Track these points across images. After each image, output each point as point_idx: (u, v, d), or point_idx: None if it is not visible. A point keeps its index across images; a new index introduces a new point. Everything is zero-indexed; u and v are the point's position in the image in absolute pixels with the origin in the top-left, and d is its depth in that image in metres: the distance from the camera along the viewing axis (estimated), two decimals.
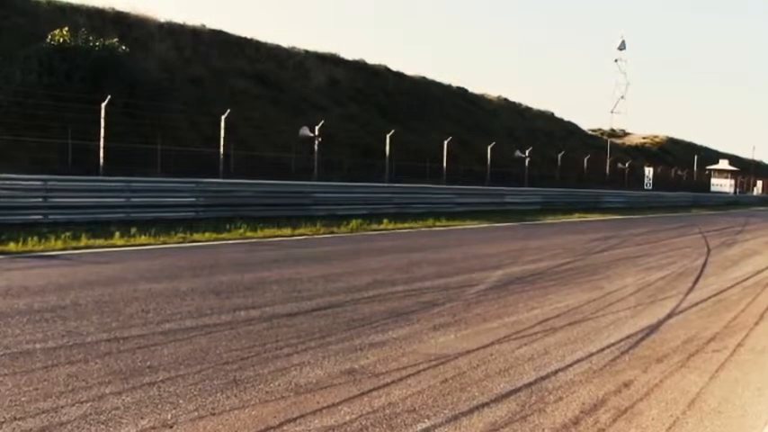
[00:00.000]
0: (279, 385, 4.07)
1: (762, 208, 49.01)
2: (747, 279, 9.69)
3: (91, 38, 20.05)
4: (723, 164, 62.88)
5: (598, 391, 4.24)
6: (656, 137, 70.95)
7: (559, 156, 34.47)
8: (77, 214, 13.31)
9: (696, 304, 7.44)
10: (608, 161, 43.09)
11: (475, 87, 48.96)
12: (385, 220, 17.11)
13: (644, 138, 69.85)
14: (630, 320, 6.40)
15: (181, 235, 11.98)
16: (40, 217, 12.85)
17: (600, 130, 68.75)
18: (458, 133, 32.33)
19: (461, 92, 45.19)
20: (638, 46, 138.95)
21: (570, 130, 56.40)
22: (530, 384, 4.30)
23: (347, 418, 3.60)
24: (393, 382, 4.24)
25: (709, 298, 7.91)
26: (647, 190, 42.89)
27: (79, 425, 3.36)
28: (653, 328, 6.09)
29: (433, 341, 5.29)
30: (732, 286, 8.92)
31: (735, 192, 59.85)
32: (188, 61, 27.87)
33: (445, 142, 25.13)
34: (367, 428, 3.48)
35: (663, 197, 41.70)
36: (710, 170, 61.16)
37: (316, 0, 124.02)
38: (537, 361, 4.86)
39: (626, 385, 4.39)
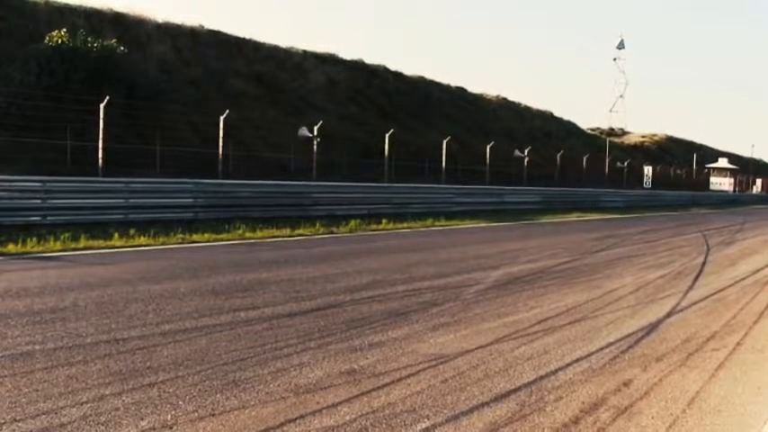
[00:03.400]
0: (278, 386, 4.07)
1: (761, 206, 49.04)
2: (746, 278, 9.70)
3: (89, 39, 20.03)
4: (722, 162, 62.89)
5: (598, 390, 4.24)
6: (654, 135, 70.95)
7: (558, 155, 34.47)
8: (76, 215, 13.29)
9: (695, 303, 7.45)
10: (607, 160, 43.09)
11: (474, 87, 49.08)
12: (384, 220, 17.11)
13: (643, 136, 69.86)
14: (630, 319, 6.40)
15: (180, 236, 11.97)
16: (39, 218, 12.84)
17: (599, 129, 68.77)
18: (457, 133, 32.32)
19: (460, 91, 45.17)
20: (638, 45, 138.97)
21: (569, 129, 56.40)
22: (529, 384, 4.30)
23: (347, 418, 3.60)
24: (392, 382, 4.24)
25: (709, 297, 7.91)
26: (647, 189, 42.91)
27: (79, 426, 3.36)
28: (652, 327, 6.09)
29: (433, 341, 5.29)
30: (731, 285, 8.92)
31: (734, 190, 59.89)
32: (186, 62, 27.84)
33: (444, 142, 25.13)
34: (367, 429, 3.48)
35: (662, 196, 41.70)
36: (710, 169, 61.18)
37: (314, 0, 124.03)
38: (536, 360, 4.86)
39: (626, 384, 4.39)
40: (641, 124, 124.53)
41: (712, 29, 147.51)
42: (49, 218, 12.94)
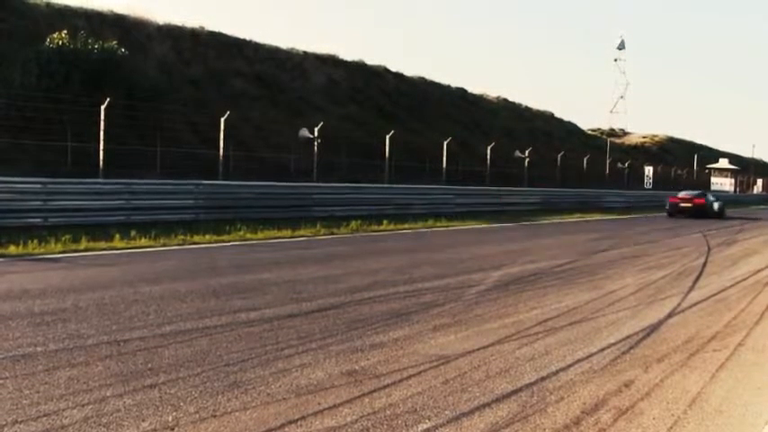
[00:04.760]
0: (280, 387, 4.08)
1: (762, 207, 48.98)
2: (747, 278, 9.69)
3: (90, 40, 20.05)
4: (723, 163, 62.90)
5: (599, 391, 4.24)
6: (655, 136, 70.93)
7: (559, 156, 34.46)
8: (77, 217, 13.30)
9: (696, 303, 7.44)
10: (608, 161, 43.07)
11: (474, 87, 48.85)
12: (385, 221, 17.12)
13: (643, 137, 69.84)
14: (631, 320, 6.40)
15: (181, 237, 11.98)
16: (40, 220, 12.85)
17: (599, 129, 68.74)
18: (457, 133, 32.33)
19: (461, 92, 45.16)
20: (638, 46, 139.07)
21: (570, 129, 56.39)
22: (530, 384, 4.30)
23: (348, 419, 3.60)
24: (394, 382, 4.24)
25: (710, 297, 7.90)
26: (648, 189, 42.89)
27: (80, 427, 3.36)
28: (653, 328, 6.09)
29: (434, 342, 5.29)
30: (732, 285, 8.92)
31: (735, 191, 59.84)
32: (187, 62, 27.86)
33: (445, 142, 25.13)
34: (368, 429, 3.48)
35: (663, 197, 41.71)
36: (710, 169, 61.16)
37: (315, 1, 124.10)
38: (537, 361, 4.86)
39: (627, 385, 4.39)
40: (642, 125, 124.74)
41: (712, 29, 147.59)
42: (50, 219, 12.95)
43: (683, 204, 27.14)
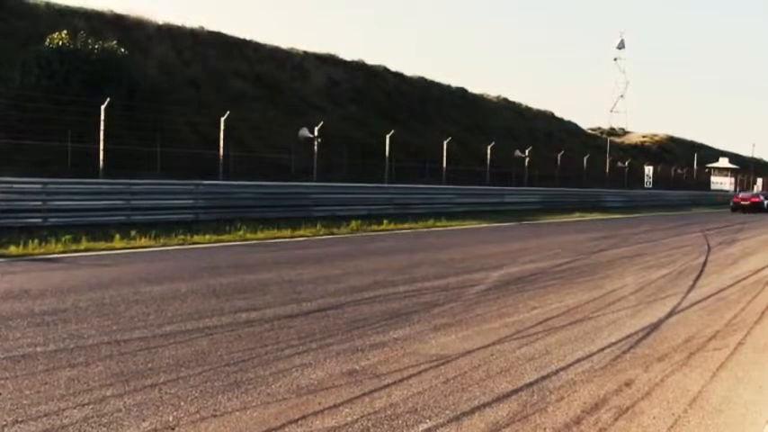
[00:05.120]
0: (280, 386, 4.08)
1: None
2: (748, 277, 9.69)
3: (90, 40, 20.04)
4: (723, 162, 62.81)
5: (599, 391, 4.23)
6: (655, 135, 70.85)
7: (559, 155, 34.46)
8: (77, 217, 13.31)
9: (697, 303, 7.44)
10: (608, 160, 43.06)
11: (474, 87, 48.82)
12: (385, 221, 17.12)
13: (644, 136, 69.76)
14: (631, 319, 6.40)
15: (181, 237, 11.99)
16: (40, 220, 12.86)
17: (600, 129, 68.63)
18: (457, 133, 32.31)
19: (461, 92, 45.10)
20: (638, 45, 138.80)
21: (570, 129, 56.32)
22: (531, 384, 4.30)
23: (349, 419, 3.60)
24: (394, 382, 4.24)
25: (710, 296, 7.90)
26: (648, 189, 42.89)
27: (81, 427, 3.36)
28: (654, 327, 6.09)
29: (434, 341, 5.29)
30: (732, 285, 8.92)
31: (735, 190, 59.80)
32: (187, 63, 27.84)
33: (445, 142, 25.14)
34: (368, 429, 3.48)
35: (663, 196, 41.76)
36: (710, 168, 61.12)
37: (315, 1, 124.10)
38: (538, 361, 4.86)
39: (627, 384, 4.39)
40: (642, 124, 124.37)
41: (712, 29, 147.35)
42: (50, 219, 12.96)
43: (743, 202, 35.91)
